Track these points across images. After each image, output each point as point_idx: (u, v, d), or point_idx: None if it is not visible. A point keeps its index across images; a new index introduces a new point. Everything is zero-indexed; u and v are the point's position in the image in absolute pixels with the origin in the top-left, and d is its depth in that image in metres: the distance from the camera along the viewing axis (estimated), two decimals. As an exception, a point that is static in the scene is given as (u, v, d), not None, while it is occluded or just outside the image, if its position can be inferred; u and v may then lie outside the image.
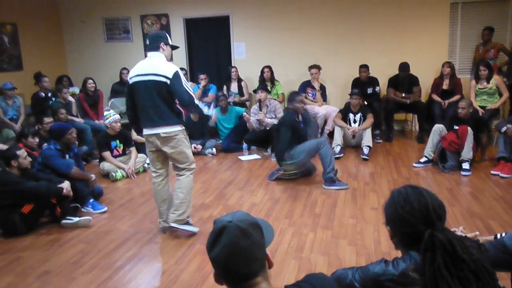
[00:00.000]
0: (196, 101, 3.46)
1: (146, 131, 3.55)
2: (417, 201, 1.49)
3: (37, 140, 5.16)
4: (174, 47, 3.64)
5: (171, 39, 3.80)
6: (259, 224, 1.30)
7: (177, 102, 3.54)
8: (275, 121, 6.28)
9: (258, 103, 6.48)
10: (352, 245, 3.40)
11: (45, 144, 4.92)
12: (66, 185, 4.06)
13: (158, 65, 3.42)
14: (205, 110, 3.75)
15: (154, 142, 3.53)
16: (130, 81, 3.53)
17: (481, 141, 5.36)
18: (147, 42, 3.62)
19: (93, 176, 4.66)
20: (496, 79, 6.19)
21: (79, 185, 4.34)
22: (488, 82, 6.20)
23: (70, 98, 6.83)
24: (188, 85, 3.43)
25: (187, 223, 3.70)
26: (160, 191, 3.71)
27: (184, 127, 3.58)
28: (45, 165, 4.37)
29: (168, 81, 3.37)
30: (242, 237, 1.22)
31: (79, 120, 6.69)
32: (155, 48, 3.50)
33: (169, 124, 3.47)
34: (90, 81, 7.12)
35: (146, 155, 5.90)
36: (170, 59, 3.67)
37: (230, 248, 1.21)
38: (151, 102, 3.43)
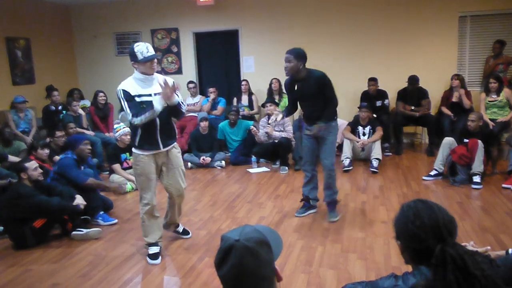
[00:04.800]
0: (133, 120, 3.29)
1: None
2: (428, 216, 1.47)
3: (46, 151, 5.22)
4: (145, 59, 3.33)
5: (153, 49, 3.51)
6: (267, 241, 1.28)
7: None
8: (284, 134, 6.29)
9: (267, 116, 6.49)
10: (362, 259, 3.37)
11: (57, 156, 4.98)
12: (80, 200, 4.10)
13: None
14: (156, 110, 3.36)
15: None
16: None
17: (492, 155, 5.31)
18: None
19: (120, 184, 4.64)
20: (506, 92, 6.16)
21: (91, 195, 4.38)
22: (498, 95, 6.17)
23: (80, 111, 6.92)
24: (126, 105, 3.33)
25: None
26: None
27: (143, 153, 3.44)
28: (61, 175, 4.41)
29: None
30: (249, 257, 1.21)
31: (90, 133, 6.75)
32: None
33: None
34: (101, 94, 7.20)
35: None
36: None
37: (238, 268, 1.21)
38: None
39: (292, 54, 3.94)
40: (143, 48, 3.33)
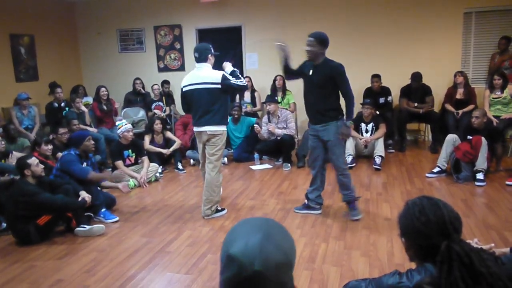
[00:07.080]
0: (244, 82, 4.25)
1: (196, 128, 4.26)
2: (433, 212, 1.46)
3: (50, 147, 5.22)
4: (216, 55, 4.34)
5: (213, 50, 4.30)
6: (290, 258, 1.00)
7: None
8: (286, 131, 6.28)
9: (267, 115, 6.49)
10: (365, 256, 3.36)
11: (60, 153, 4.99)
12: (85, 194, 4.15)
13: (209, 75, 4.12)
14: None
15: (202, 138, 4.23)
16: (184, 89, 4.24)
17: (496, 151, 5.29)
18: (196, 54, 4.19)
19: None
20: (510, 89, 6.13)
21: (95, 192, 4.39)
22: (502, 91, 6.14)
23: (83, 108, 6.92)
24: (233, 79, 4.14)
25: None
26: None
27: (226, 129, 4.29)
28: (63, 171, 4.43)
29: (219, 86, 4.08)
30: None
31: (93, 129, 6.75)
32: (204, 59, 4.17)
33: (215, 124, 4.15)
34: (103, 89, 7.20)
35: (158, 165, 5.98)
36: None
37: None
38: (203, 106, 4.14)
39: (315, 38, 3.90)
40: None
